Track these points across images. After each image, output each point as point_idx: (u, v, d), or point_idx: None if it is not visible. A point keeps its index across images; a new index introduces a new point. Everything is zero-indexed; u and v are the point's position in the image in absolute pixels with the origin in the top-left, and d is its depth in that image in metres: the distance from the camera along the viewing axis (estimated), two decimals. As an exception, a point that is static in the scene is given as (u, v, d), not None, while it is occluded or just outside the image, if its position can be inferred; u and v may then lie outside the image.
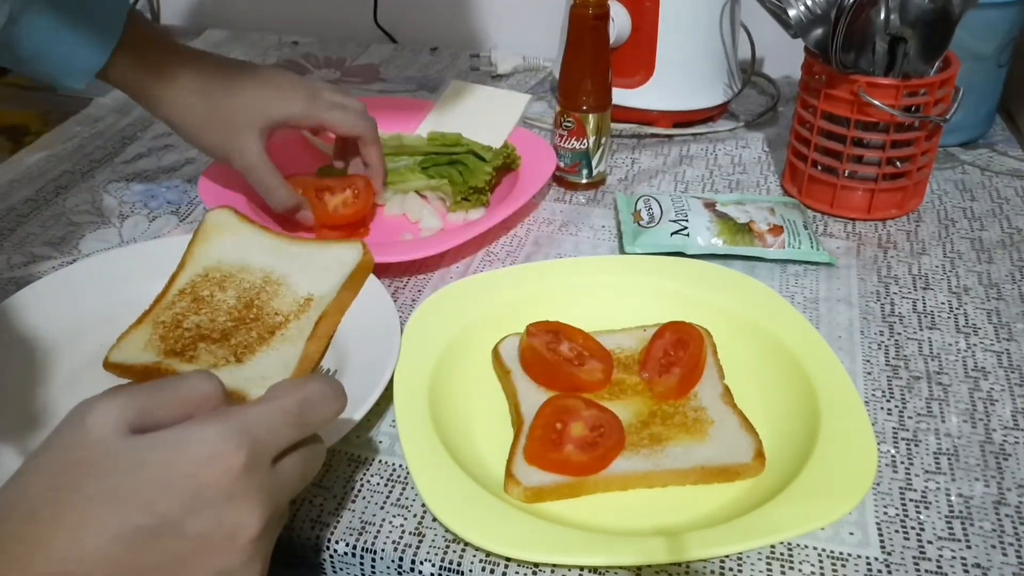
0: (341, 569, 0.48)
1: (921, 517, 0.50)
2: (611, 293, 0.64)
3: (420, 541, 0.48)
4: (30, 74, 0.67)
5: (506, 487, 0.50)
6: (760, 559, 0.47)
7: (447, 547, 0.47)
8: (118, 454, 0.35)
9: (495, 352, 0.59)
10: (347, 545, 0.48)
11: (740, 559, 0.47)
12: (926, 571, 0.46)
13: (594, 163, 0.80)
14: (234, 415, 0.37)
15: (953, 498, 0.51)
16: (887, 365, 0.61)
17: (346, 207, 0.74)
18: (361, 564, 0.48)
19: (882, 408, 0.57)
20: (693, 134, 0.92)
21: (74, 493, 0.34)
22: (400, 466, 0.53)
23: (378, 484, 0.51)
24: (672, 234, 0.71)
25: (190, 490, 0.35)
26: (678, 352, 0.58)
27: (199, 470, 0.35)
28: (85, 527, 0.34)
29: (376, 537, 0.48)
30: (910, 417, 0.56)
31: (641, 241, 0.71)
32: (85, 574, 0.33)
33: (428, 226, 0.75)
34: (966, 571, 0.46)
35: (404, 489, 0.51)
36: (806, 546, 0.48)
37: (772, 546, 0.48)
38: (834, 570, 0.46)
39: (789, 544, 0.48)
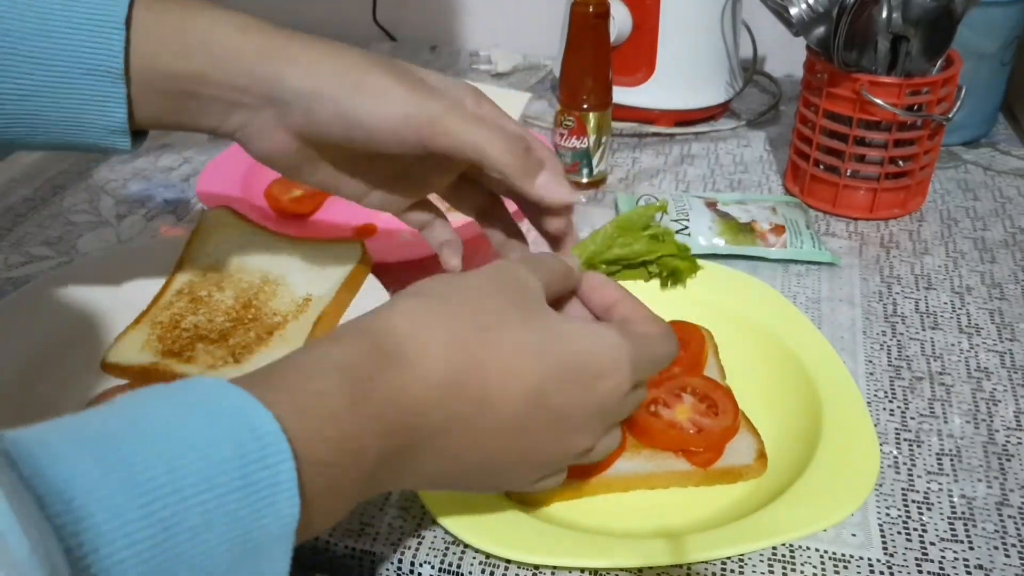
0: (341, 570, 0.48)
1: (923, 518, 0.49)
2: (612, 293, 0.64)
3: (420, 542, 0.47)
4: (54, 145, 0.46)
5: (506, 488, 0.50)
6: (762, 561, 0.47)
7: (447, 549, 0.47)
8: (544, 319, 0.39)
9: (495, 352, 0.59)
10: (347, 546, 0.47)
11: (742, 561, 0.47)
12: (928, 572, 0.46)
13: (595, 162, 0.80)
14: (640, 347, 0.41)
15: (956, 499, 0.50)
16: (889, 365, 0.60)
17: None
18: (361, 565, 0.47)
19: (884, 409, 0.57)
20: (694, 133, 0.92)
21: (500, 332, 0.37)
22: (399, 467, 0.52)
23: (377, 485, 0.51)
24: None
25: (587, 390, 0.39)
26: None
27: (598, 380, 0.39)
28: (511, 374, 0.37)
29: (376, 538, 0.48)
30: (912, 418, 0.56)
31: (642, 240, 0.71)
32: (505, 414, 0.37)
33: (428, 225, 0.74)
34: (968, 572, 0.46)
35: (404, 490, 0.51)
36: (808, 548, 0.47)
37: (774, 548, 0.47)
38: (836, 572, 0.46)
39: (791, 546, 0.47)
